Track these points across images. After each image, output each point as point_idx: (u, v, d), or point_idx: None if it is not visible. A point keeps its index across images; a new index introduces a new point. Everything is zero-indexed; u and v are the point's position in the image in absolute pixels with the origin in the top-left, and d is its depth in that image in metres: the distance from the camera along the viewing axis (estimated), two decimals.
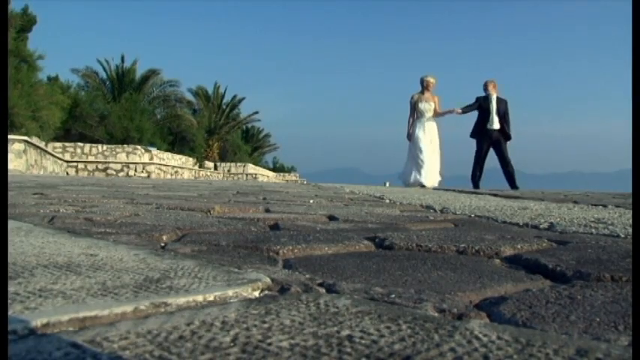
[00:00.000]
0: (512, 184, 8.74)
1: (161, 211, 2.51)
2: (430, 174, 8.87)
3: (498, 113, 8.68)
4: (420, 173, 8.85)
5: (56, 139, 18.13)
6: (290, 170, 47.53)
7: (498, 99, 8.78)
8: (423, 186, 8.56)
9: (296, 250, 1.34)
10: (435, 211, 3.00)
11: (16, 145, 12.26)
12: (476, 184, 8.82)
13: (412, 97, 9.09)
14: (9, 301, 0.69)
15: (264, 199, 3.82)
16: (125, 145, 19.10)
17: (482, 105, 8.84)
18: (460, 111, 9.05)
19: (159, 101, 26.39)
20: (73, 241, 1.26)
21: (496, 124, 8.70)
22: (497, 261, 1.28)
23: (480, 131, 8.83)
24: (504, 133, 8.72)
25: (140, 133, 21.73)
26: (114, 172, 18.21)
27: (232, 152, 31.70)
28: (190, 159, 24.13)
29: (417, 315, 0.70)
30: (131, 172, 18.28)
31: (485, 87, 8.88)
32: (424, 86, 9.10)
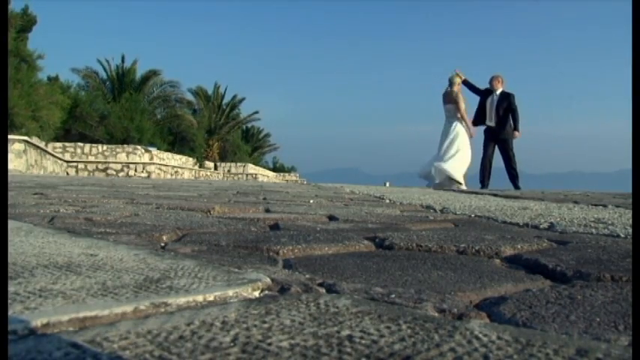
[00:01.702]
0: (514, 183, 8.67)
1: (161, 211, 2.51)
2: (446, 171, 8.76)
3: (498, 110, 8.57)
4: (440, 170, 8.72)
5: (56, 139, 18.11)
6: (290, 170, 47.49)
7: (502, 95, 8.64)
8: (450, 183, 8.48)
9: (296, 250, 1.34)
10: (435, 211, 3.00)
11: (16, 145, 12.25)
12: (481, 184, 8.73)
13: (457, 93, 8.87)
14: (9, 301, 0.69)
15: (265, 199, 3.82)
16: (125, 145, 19.08)
17: (483, 98, 8.75)
18: (463, 77, 8.83)
19: (159, 101, 26.38)
20: (73, 241, 1.26)
21: (491, 122, 8.61)
22: (498, 261, 1.28)
23: (484, 129, 8.77)
24: (503, 130, 8.58)
25: (140, 133, 21.71)
26: (114, 172, 18.20)
27: (232, 152, 31.67)
28: (190, 159, 24.11)
29: (417, 315, 0.70)
30: (131, 172, 18.27)
31: (490, 82, 8.78)
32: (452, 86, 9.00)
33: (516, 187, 8.46)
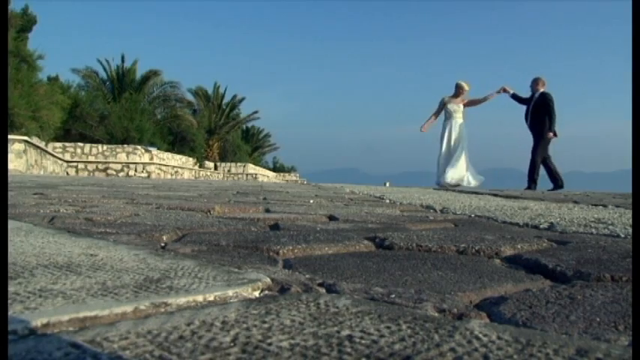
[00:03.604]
0: (529, 186, 8.50)
1: (161, 211, 2.50)
2: (452, 171, 8.97)
3: (534, 111, 8.55)
4: (444, 173, 8.97)
5: (56, 139, 18.11)
6: (290, 170, 47.47)
7: (540, 96, 8.61)
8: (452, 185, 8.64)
9: (296, 250, 1.34)
10: (435, 211, 3.00)
11: (16, 145, 12.25)
12: (555, 185, 8.59)
13: (442, 99, 9.41)
14: (9, 301, 0.69)
15: (265, 199, 3.82)
16: (125, 145, 19.08)
17: (528, 104, 8.77)
18: (511, 91, 9.04)
19: (159, 101, 26.37)
20: (73, 241, 1.26)
21: (530, 123, 8.61)
22: (498, 261, 1.28)
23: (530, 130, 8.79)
24: (536, 132, 8.51)
25: (140, 133, 21.70)
26: (114, 172, 18.20)
27: (232, 152, 31.66)
28: (190, 159, 24.10)
29: (417, 315, 0.70)
30: (131, 172, 18.26)
31: (531, 86, 8.79)
32: (456, 91, 9.41)
33: (529, 188, 8.37)
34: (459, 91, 9.39)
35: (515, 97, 9.05)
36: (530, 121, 8.60)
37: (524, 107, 8.96)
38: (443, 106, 9.36)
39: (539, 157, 8.54)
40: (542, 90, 8.67)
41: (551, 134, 8.49)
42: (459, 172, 9.05)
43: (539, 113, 8.53)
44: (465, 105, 9.38)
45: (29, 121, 14.39)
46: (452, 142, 9.18)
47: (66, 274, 0.87)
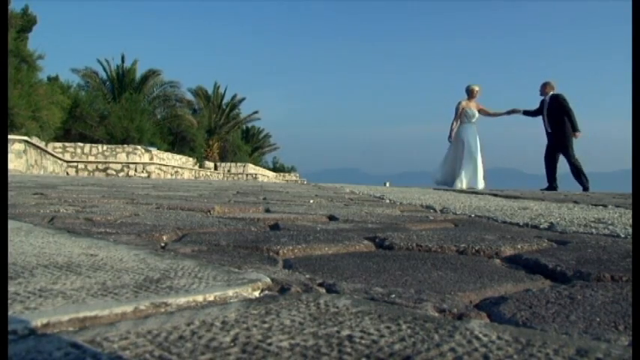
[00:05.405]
0: (580, 183, 8.47)
1: (161, 211, 2.50)
2: (472, 176, 9.01)
3: (550, 115, 8.55)
4: (464, 176, 8.98)
5: (56, 139, 18.10)
6: (290, 170, 47.44)
7: (552, 98, 8.60)
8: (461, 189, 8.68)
9: (296, 250, 1.34)
10: (435, 211, 3.00)
11: (16, 145, 12.25)
12: (549, 186, 8.63)
13: (459, 103, 9.37)
14: (9, 301, 0.69)
15: (265, 199, 3.82)
16: (125, 145, 19.07)
17: (539, 110, 8.81)
18: (521, 110, 9.14)
19: (159, 101, 26.37)
20: (73, 241, 1.26)
21: (549, 127, 8.60)
22: (498, 261, 1.28)
23: (546, 134, 8.79)
24: (560, 135, 8.49)
25: (140, 133, 21.69)
26: (114, 172, 18.20)
27: (232, 152, 31.66)
28: (190, 159, 24.10)
29: (417, 315, 0.70)
30: (131, 172, 18.26)
31: (540, 91, 8.81)
32: (469, 94, 9.41)
33: (585, 189, 8.29)
34: (472, 94, 9.35)
35: (527, 112, 9.09)
36: (550, 126, 8.57)
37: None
38: (462, 110, 9.29)
39: (573, 157, 8.52)
40: (551, 93, 8.67)
41: (577, 134, 8.48)
42: (479, 178, 9.10)
43: (556, 115, 8.53)
44: (477, 110, 9.38)
45: (29, 121, 14.38)
46: (477, 147, 9.19)
47: (66, 274, 0.87)
